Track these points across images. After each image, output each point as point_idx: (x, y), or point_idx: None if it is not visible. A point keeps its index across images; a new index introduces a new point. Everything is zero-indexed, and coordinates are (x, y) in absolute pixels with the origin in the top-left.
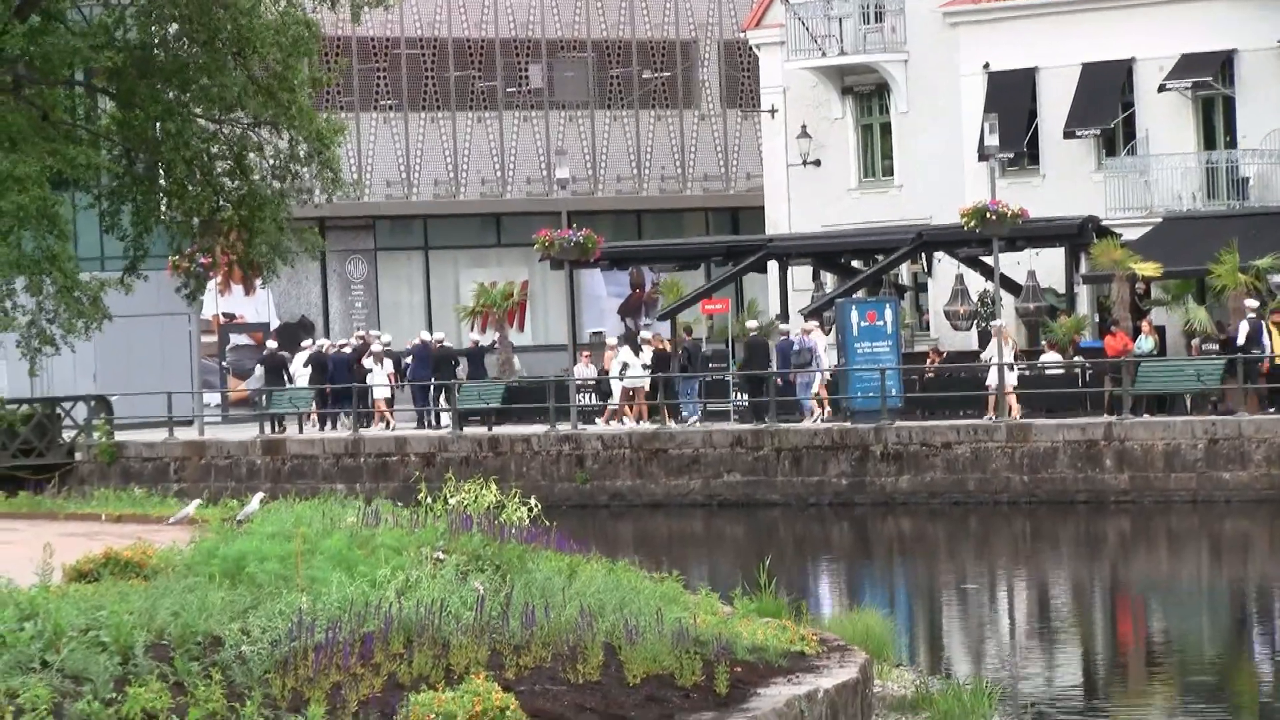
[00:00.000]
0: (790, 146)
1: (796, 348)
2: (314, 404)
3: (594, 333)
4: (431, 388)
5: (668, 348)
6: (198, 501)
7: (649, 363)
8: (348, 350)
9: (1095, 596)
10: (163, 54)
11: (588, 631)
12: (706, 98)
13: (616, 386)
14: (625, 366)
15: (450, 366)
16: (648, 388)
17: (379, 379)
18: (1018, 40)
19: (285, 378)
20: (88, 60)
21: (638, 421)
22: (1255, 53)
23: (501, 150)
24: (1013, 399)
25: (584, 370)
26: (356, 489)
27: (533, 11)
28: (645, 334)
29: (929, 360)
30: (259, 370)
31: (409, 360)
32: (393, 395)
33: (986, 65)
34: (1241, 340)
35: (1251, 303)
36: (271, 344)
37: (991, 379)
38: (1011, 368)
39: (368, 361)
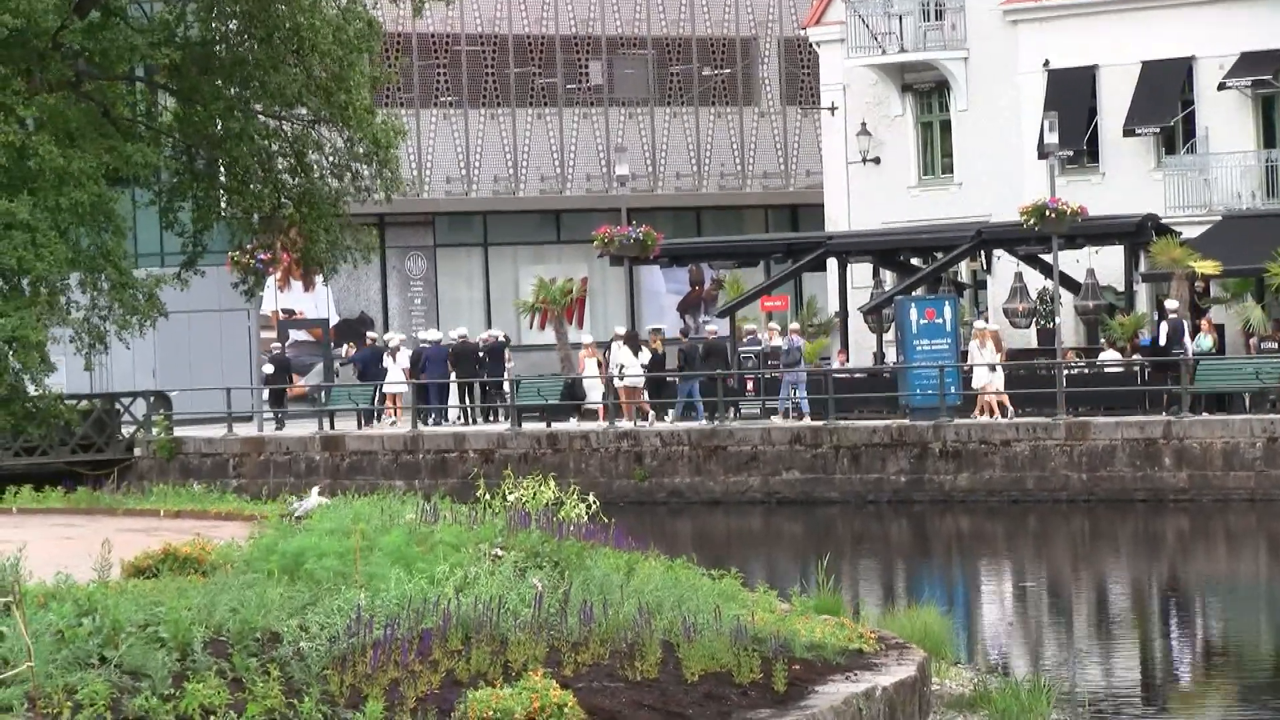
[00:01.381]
0: (850, 144)
1: (786, 347)
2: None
3: (653, 329)
4: (455, 386)
5: (660, 348)
6: (316, 489)
7: (647, 363)
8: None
9: (1154, 595)
10: (223, 50)
11: (646, 629)
12: (766, 95)
13: (593, 385)
14: (622, 366)
15: (471, 363)
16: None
17: (395, 375)
18: (1078, 38)
19: (383, 370)
20: (145, 57)
21: (634, 422)
22: None
23: (561, 147)
24: (993, 401)
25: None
26: (415, 485)
27: (593, 8)
28: (644, 334)
29: None
30: (343, 364)
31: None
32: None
33: (1046, 63)
34: (1163, 341)
35: (1171, 303)
36: (372, 335)
37: (977, 380)
38: (993, 368)
39: (386, 359)
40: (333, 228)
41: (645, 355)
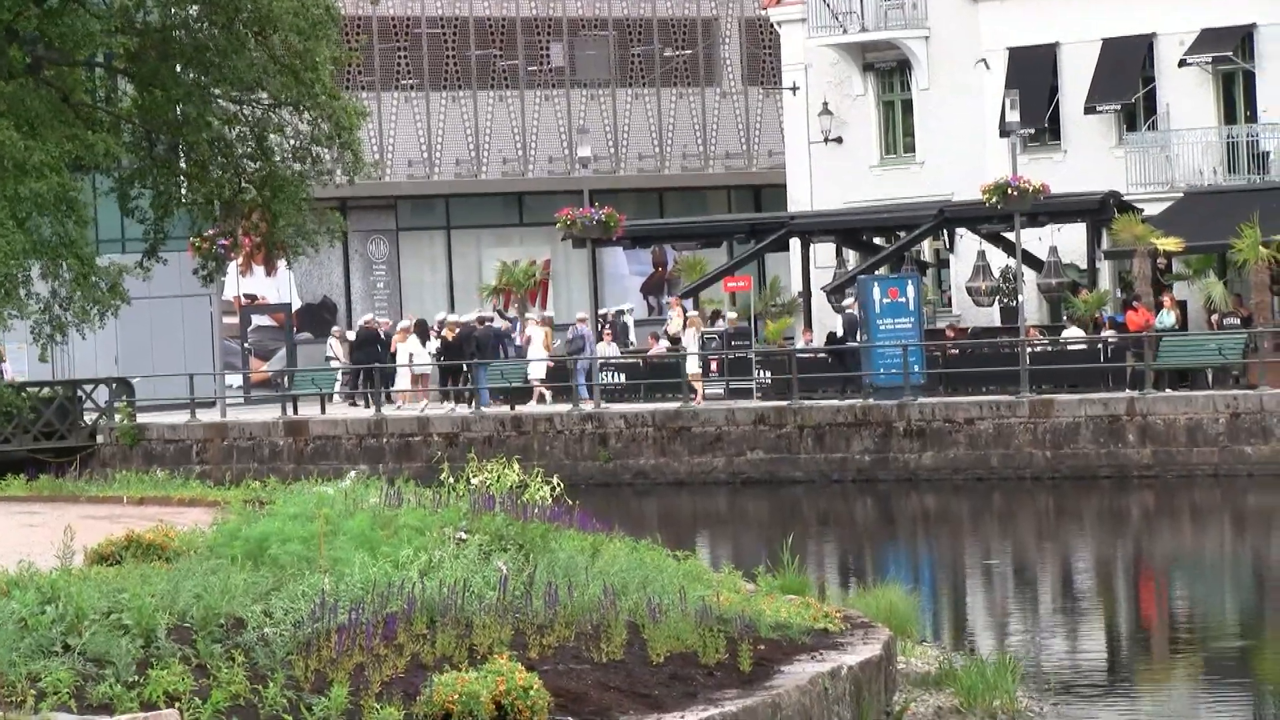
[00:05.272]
0: (812, 124)
1: (571, 336)
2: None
3: (618, 310)
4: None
5: (450, 335)
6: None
7: (435, 351)
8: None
9: (1118, 572)
10: (183, 35)
11: (611, 610)
12: (728, 75)
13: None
14: (411, 356)
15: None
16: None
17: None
18: (1038, 16)
19: (381, 352)
20: (102, 45)
21: (419, 407)
22: (1275, 27)
23: (523, 129)
24: (699, 384)
25: (606, 349)
26: (379, 469)
27: None
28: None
29: (946, 337)
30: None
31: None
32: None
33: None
34: (841, 332)
35: (848, 300)
36: (368, 317)
37: (691, 367)
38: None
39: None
40: (295, 211)
41: (433, 344)
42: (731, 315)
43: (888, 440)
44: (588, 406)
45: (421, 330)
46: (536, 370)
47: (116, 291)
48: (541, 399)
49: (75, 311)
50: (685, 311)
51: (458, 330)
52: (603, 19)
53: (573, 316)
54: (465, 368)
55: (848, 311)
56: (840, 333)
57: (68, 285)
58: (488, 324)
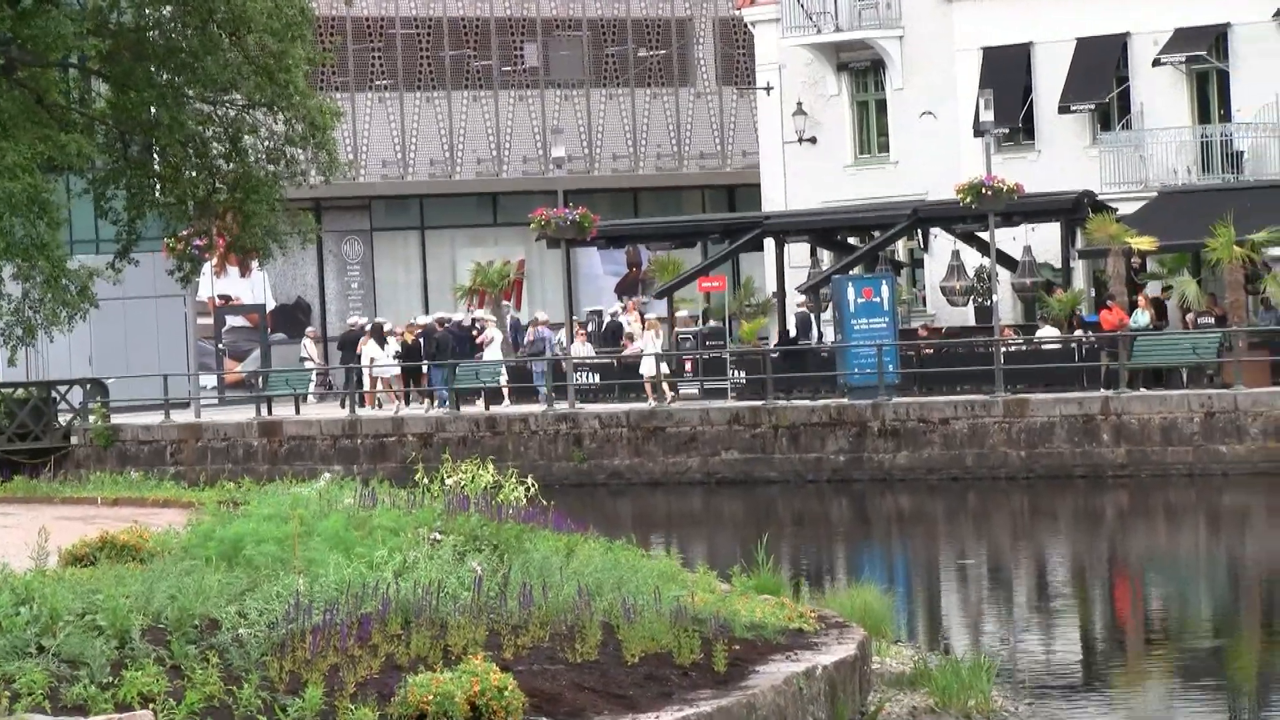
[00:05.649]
0: (786, 124)
1: (533, 338)
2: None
3: (591, 311)
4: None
5: (409, 337)
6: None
7: (397, 353)
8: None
9: (1093, 571)
10: (157, 36)
11: (585, 611)
12: (702, 75)
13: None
14: (373, 360)
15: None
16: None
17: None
18: (1012, 16)
19: (359, 355)
20: (75, 47)
21: (384, 408)
22: (1249, 26)
23: (497, 129)
24: (665, 385)
25: (581, 348)
26: (354, 470)
27: None
28: (390, 325)
29: (920, 336)
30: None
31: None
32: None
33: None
34: (793, 332)
35: (799, 298)
36: (353, 319)
37: (645, 368)
38: (660, 357)
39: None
40: (266, 213)
41: (392, 346)
42: (683, 314)
43: (862, 440)
44: (513, 409)
45: (378, 334)
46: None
47: (85, 295)
48: (501, 399)
49: (45, 314)
50: (643, 314)
51: (418, 332)
52: (577, 19)
53: (552, 318)
54: (426, 368)
55: (799, 310)
56: (793, 332)
57: (39, 287)
58: (446, 325)
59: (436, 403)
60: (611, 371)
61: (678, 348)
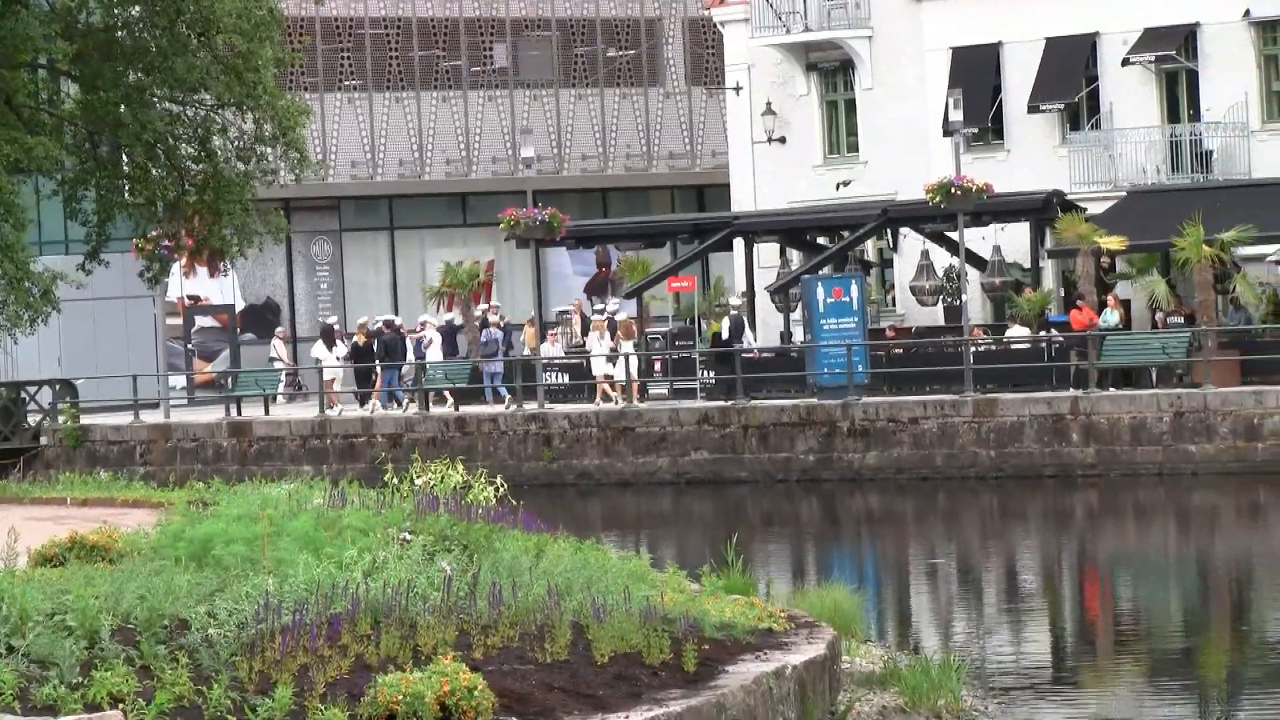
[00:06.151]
0: (755, 123)
1: (485, 340)
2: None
3: (561, 311)
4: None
5: (361, 339)
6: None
7: (343, 355)
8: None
9: (1063, 571)
10: (126, 37)
11: (555, 610)
12: (671, 75)
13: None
14: (319, 361)
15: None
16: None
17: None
18: (981, 15)
19: (403, 353)
20: (43, 49)
21: (338, 412)
22: (1218, 26)
23: (466, 130)
24: (616, 388)
25: (550, 349)
26: (323, 470)
27: None
28: (342, 328)
29: (887, 336)
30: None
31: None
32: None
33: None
34: (725, 335)
35: (735, 300)
36: (382, 319)
37: (597, 369)
38: (626, 357)
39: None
40: (237, 212)
41: (340, 348)
42: (615, 311)
43: (832, 440)
44: (498, 408)
45: (327, 335)
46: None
47: (48, 298)
48: (443, 400)
49: (7, 316)
50: (586, 316)
51: (368, 334)
52: (546, 19)
53: (516, 318)
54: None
55: (733, 313)
56: (725, 334)
57: (2, 289)
58: (394, 328)
59: (382, 403)
60: (581, 372)
61: (648, 348)
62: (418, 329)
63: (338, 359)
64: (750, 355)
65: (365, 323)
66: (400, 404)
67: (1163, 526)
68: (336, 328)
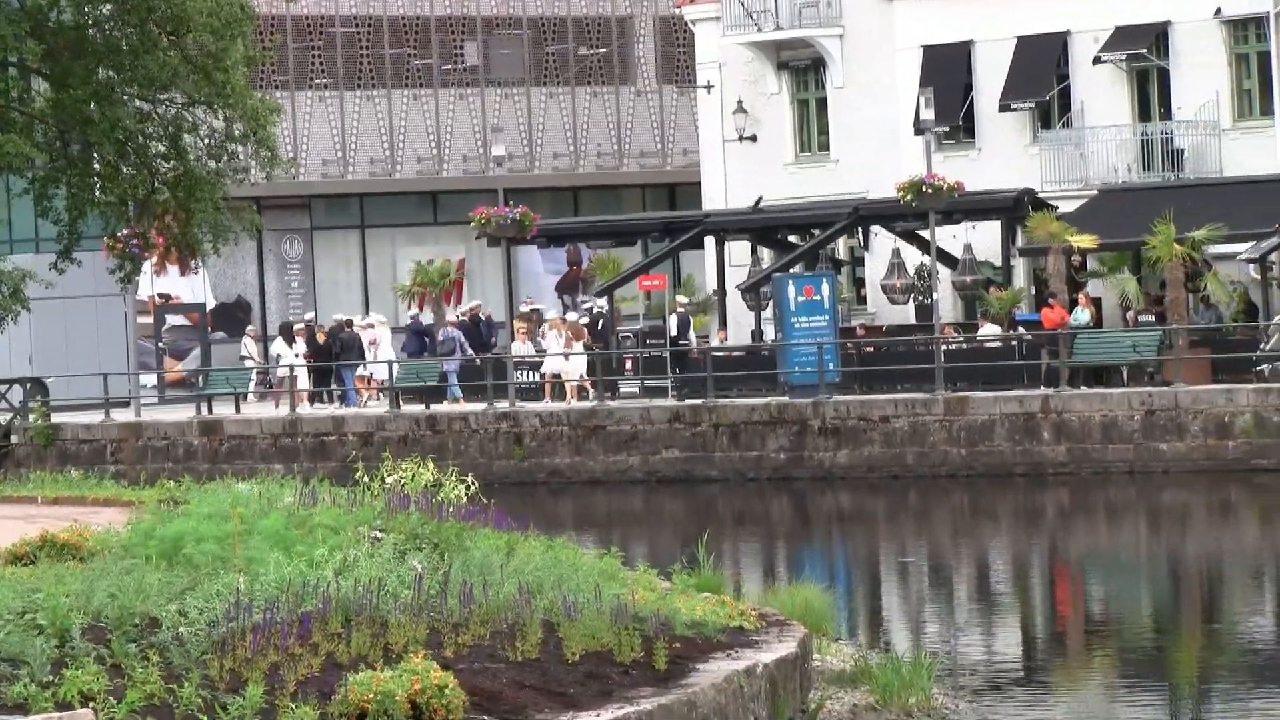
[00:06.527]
0: (726, 122)
1: (442, 338)
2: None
3: (533, 309)
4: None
5: (319, 338)
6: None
7: (301, 353)
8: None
9: (1034, 569)
10: (97, 34)
11: (526, 609)
12: (642, 74)
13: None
14: (278, 357)
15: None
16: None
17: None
18: (953, 14)
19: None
20: (12, 48)
21: (292, 408)
22: (1189, 24)
23: (438, 128)
24: (571, 387)
25: (521, 347)
26: (294, 468)
27: None
28: (299, 325)
29: (857, 335)
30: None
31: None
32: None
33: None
34: (674, 332)
35: (682, 299)
36: (414, 312)
37: (547, 367)
38: (566, 357)
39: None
40: (209, 210)
41: (300, 345)
42: (450, 318)
43: (803, 438)
44: (455, 407)
45: (286, 332)
46: (381, 370)
47: (17, 297)
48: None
49: None
50: (537, 317)
51: (326, 332)
52: (517, 18)
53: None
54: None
55: (679, 311)
56: (674, 332)
57: None
58: (350, 327)
59: (341, 402)
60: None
61: (619, 346)
62: (364, 328)
63: (297, 356)
64: (717, 354)
65: (308, 323)
66: (353, 402)
67: (1134, 525)
68: (299, 326)
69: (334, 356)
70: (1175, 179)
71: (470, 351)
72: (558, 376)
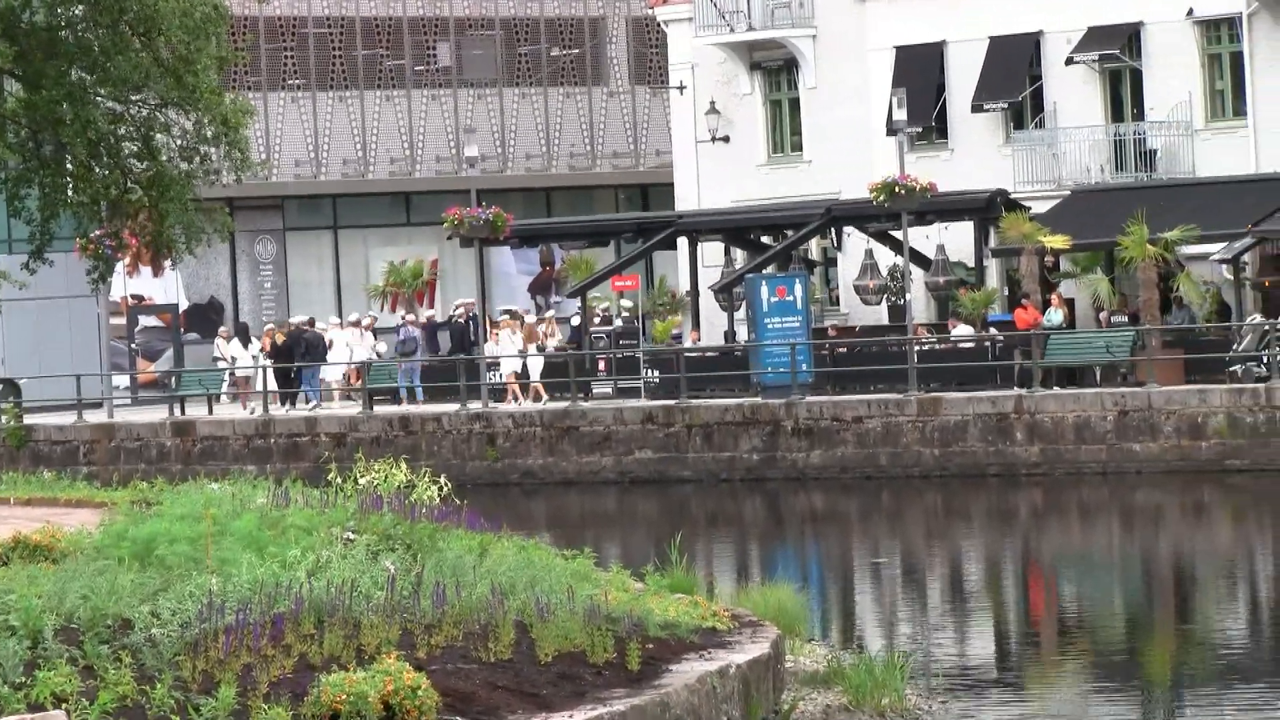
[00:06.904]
0: (699, 123)
1: (403, 338)
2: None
3: (504, 310)
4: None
5: (279, 339)
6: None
7: (258, 354)
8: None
9: (1007, 570)
10: (69, 35)
11: (499, 610)
12: (615, 75)
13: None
14: (234, 359)
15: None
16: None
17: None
18: (925, 14)
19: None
20: None
21: (247, 409)
22: (1162, 25)
23: (410, 129)
24: (517, 387)
25: (494, 348)
26: (267, 469)
27: None
28: (269, 326)
29: (829, 336)
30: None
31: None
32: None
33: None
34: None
35: (626, 303)
36: (429, 312)
37: (504, 367)
38: (528, 359)
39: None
40: (183, 210)
41: (255, 346)
42: (410, 317)
43: (776, 439)
44: (412, 408)
45: (243, 334)
46: (335, 372)
47: None
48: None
49: None
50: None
51: (287, 333)
52: (489, 19)
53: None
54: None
55: (624, 314)
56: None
57: None
58: (309, 329)
59: (306, 401)
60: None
61: (592, 346)
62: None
63: (253, 357)
64: (690, 355)
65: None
66: (312, 402)
67: (1106, 525)
68: (270, 326)
69: (298, 358)
70: (1148, 180)
71: (427, 353)
72: (516, 374)
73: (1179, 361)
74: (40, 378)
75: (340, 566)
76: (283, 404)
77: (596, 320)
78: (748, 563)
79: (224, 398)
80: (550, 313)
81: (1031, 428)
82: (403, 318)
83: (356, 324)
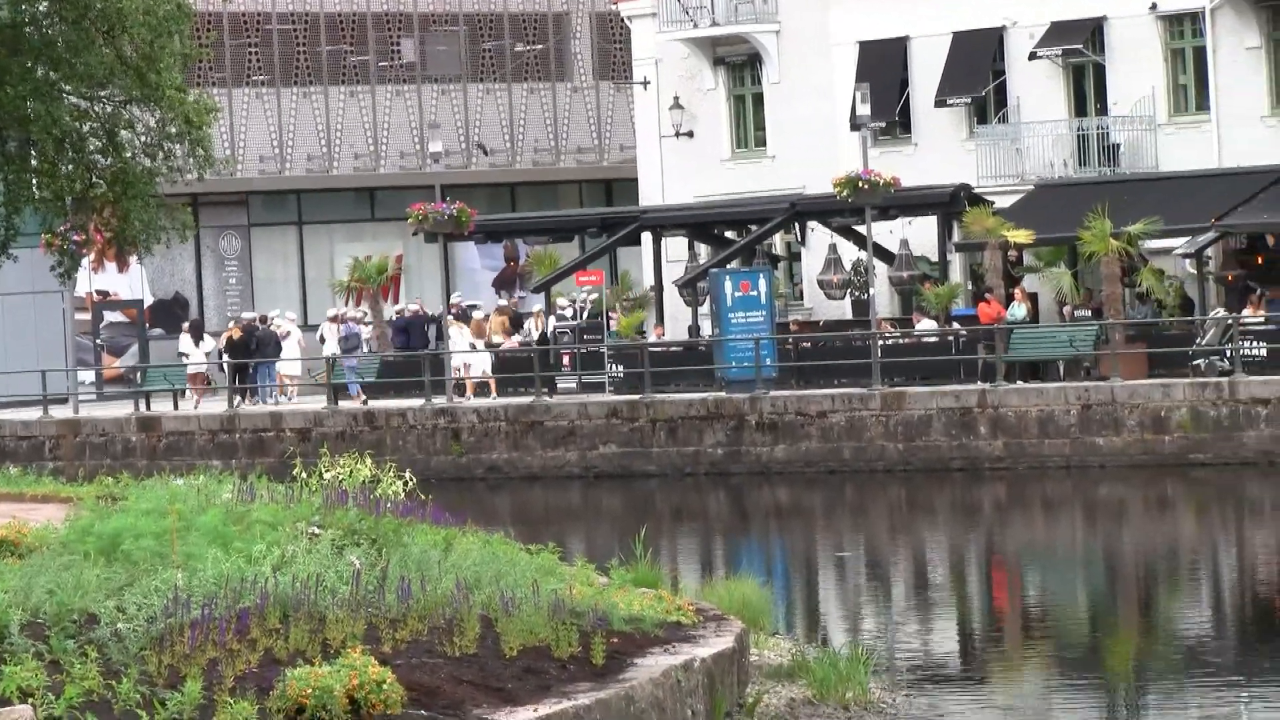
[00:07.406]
0: (663, 118)
1: (345, 334)
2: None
3: (470, 305)
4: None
5: (236, 335)
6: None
7: (210, 350)
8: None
9: (971, 564)
10: (34, 32)
11: (464, 604)
12: (579, 70)
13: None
14: (186, 355)
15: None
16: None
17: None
18: (888, 9)
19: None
20: None
21: (195, 406)
22: (1125, 20)
23: (374, 124)
24: (472, 385)
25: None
26: (232, 465)
27: None
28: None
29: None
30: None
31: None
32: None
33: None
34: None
35: (563, 301)
36: (412, 306)
37: (456, 362)
38: (473, 348)
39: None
40: (147, 207)
41: (208, 343)
42: (353, 315)
43: (740, 433)
44: (354, 404)
45: (196, 330)
46: (291, 369)
47: None
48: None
49: None
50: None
51: (243, 329)
52: (453, 14)
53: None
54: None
55: (562, 311)
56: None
57: None
58: (267, 324)
59: (260, 397)
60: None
61: (555, 341)
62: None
63: (205, 354)
64: (654, 349)
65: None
66: (266, 399)
67: (1070, 519)
68: (234, 322)
69: (252, 353)
70: (1111, 174)
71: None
72: (467, 365)
73: (1142, 356)
74: (5, 373)
75: (305, 561)
76: (234, 399)
77: (567, 314)
78: (712, 557)
79: (189, 393)
80: (538, 307)
81: (995, 422)
82: (339, 315)
83: (334, 319)
